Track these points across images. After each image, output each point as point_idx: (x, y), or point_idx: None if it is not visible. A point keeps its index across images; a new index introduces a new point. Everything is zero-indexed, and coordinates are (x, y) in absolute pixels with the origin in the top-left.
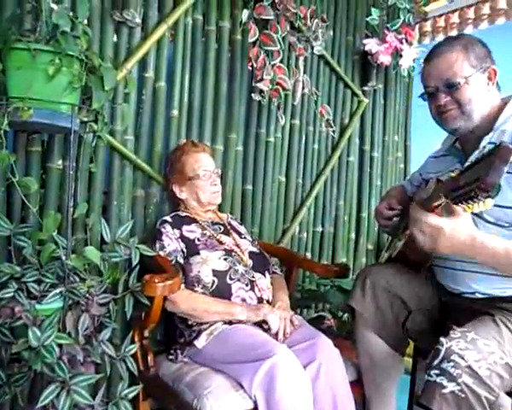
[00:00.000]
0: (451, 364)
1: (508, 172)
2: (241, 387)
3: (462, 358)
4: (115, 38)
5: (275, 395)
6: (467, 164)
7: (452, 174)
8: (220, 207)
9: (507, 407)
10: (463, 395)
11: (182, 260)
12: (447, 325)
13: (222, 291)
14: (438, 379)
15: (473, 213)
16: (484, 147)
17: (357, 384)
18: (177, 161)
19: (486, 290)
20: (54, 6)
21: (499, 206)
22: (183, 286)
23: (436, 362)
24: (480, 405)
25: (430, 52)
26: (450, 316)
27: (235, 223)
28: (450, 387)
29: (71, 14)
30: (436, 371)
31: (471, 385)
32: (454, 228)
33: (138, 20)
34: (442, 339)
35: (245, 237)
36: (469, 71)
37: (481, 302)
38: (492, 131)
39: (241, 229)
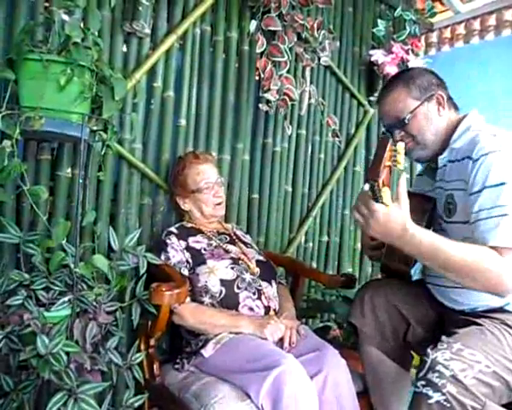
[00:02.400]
0: (436, 374)
1: (459, 189)
2: (248, 397)
3: (447, 368)
4: (125, 49)
5: (281, 405)
6: (440, 177)
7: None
8: (226, 217)
9: None
10: (449, 405)
11: (186, 272)
12: (442, 337)
13: (229, 301)
14: (424, 390)
15: (438, 231)
16: (444, 165)
17: (364, 396)
18: (179, 175)
19: (471, 305)
20: (66, 17)
21: (455, 222)
22: (188, 299)
23: (422, 373)
24: None
25: (378, 94)
26: (447, 328)
27: (240, 233)
28: (436, 397)
29: (82, 25)
30: (422, 383)
31: (455, 394)
32: (388, 214)
33: (148, 31)
34: (428, 350)
35: (251, 247)
36: (413, 104)
37: (471, 315)
38: (446, 150)
39: (247, 239)
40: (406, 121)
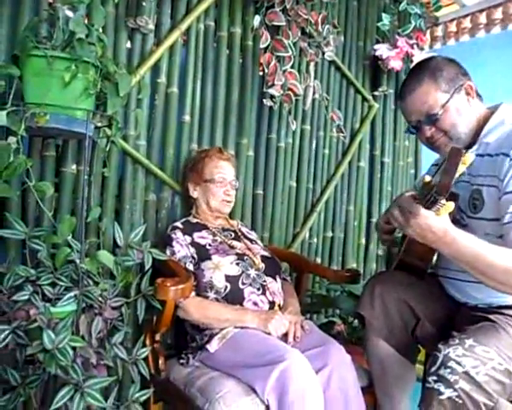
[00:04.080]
0: (448, 370)
1: (489, 185)
2: (253, 392)
3: (459, 364)
4: (129, 44)
5: (287, 399)
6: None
7: (425, 180)
8: (231, 213)
9: None
10: (461, 401)
11: (191, 267)
12: (452, 333)
13: (234, 296)
14: (435, 386)
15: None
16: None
17: (369, 390)
18: (199, 162)
19: (487, 300)
20: (70, 14)
21: (480, 219)
22: (193, 293)
23: (434, 369)
24: None
25: (401, 89)
26: (457, 324)
27: (245, 229)
28: (448, 393)
29: (86, 21)
30: (434, 378)
31: (468, 391)
32: (429, 218)
33: (151, 27)
34: (440, 346)
35: (256, 243)
36: (444, 97)
37: (485, 311)
38: (476, 143)
39: (252, 235)
40: (438, 117)
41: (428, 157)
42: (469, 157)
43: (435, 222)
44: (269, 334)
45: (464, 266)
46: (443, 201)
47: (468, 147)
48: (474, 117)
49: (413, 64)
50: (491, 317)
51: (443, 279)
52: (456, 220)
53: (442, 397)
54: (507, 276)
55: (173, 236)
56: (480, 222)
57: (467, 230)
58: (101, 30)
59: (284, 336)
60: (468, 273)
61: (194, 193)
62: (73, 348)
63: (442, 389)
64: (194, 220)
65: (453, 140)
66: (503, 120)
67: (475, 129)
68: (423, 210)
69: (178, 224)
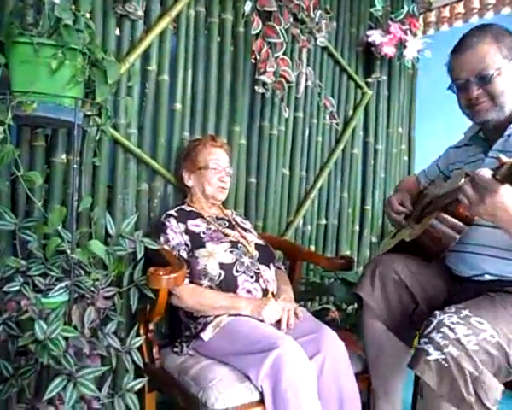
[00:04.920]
0: (440, 335)
1: None
2: (247, 379)
3: (452, 331)
4: (117, 31)
5: (281, 386)
6: (500, 148)
7: (503, 159)
8: (224, 201)
9: (489, 385)
10: (447, 365)
11: (185, 254)
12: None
13: (228, 284)
14: (425, 347)
15: None
16: (509, 135)
17: (363, 376)
18: (192, 150)
19: (496, 272)
20: None
21: None
22: (187, 281)
23: (426, 332)
24: (462, 377)
25: (459, 44)
26: (456, 303)
27: (239, 219)
28: (435, 355)
29: (73, 7)
30: (425, 340)
31: (456, 357)
32: (505, 196)
33: (141, 13)
34: (436, 312)
35: (250, 232)
36: (501, 62)
37: (489, 285)
38: None
39: (247, 224)
40: (490, 79)
41: (421, 145)
42: None
43: (510, 201)
44: (262, 321)
45: None
46: None
47: (507, 123)
48: None
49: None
50: (492, 294)
51: (450, 253)
52: None
53: (429, 358)
54: None
55: (167, 223)
56: None
57: None
58: (88, 16)
59: (277, 324)
60: (481, 246)
61: (189, 181)
62: (66, 339)
63: (431, 350)
64: (189, 208)
65: (497, 108)
66: None
67: None
68: (503, 187)
69: (172, 212)
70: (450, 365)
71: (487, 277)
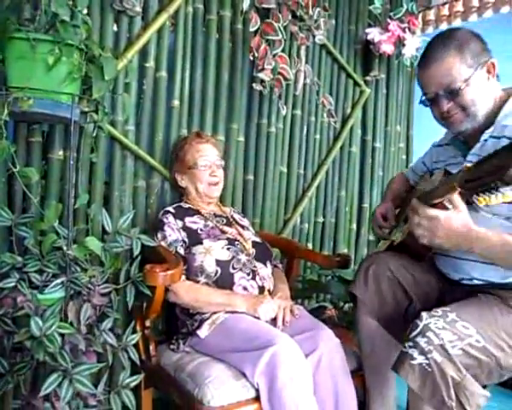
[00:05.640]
0: (425, 339)
1: None
2: (243, 376)
3: (437, 336)
4: (115, 28)
5: (277, 383)
6: (477, 152)
7: (468, 164)
8: (222, 198)
9: (472, 390)
10: (430, 369)
11: (182, 251)
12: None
13: (225, 281)
14: (410, 350)
15: (469, 207)
16: (485, 140)
17: (358, 374)
18: (180, 150)
19: (483, 277)
20: None
21: (506, 202)
22: (183, 277)
23: (412, 335)
24: (444, 382)
25: (423, 57)
26: (447, 303)
27: (237, 216)
28: (419, 359)
29: (70, 2)
30: (410, 344)
31: (440, 363)
32: (449, 217)
33: (138, 9)
34: (423, 314)
35: (248, 229)
36: (468, 72)
37: (478, 288)
38: (493, 125)
39: (244, 222)
40: (459, 91)
41: (420, 142)
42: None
43: (455, 220)
44: (258, 318)
45: (495, 257)
46: (507, 190)
47: (484, 128)
48: (492, 97)
49: (435, 35)
50: (481, 295)
51: (438, 256)
52: (474, 205)
53: (413, 362)
54: None
55: (165, 220)
56: (500, 205)
57: (485, 214)
58: (85, 12)
59: (273, 321)
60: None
61: (182, 182)
62: (62, 335)
63: (415, 354)
64: (186, 206)
65: (469, 117)
66: None
67: (491, 109)
68: (434, 210)
69: (170, 208)
70: (433, 369)
71: (476, 281)
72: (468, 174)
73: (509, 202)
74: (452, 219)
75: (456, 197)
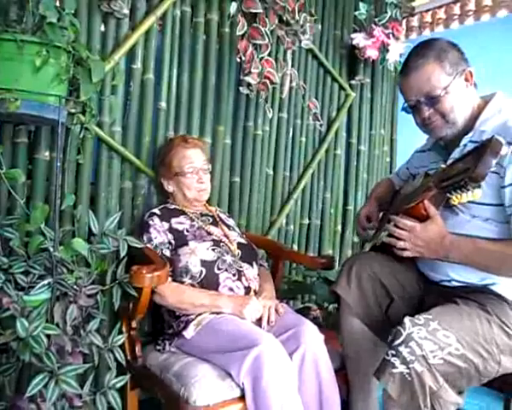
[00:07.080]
0: (408, 350)
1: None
2: (229, 376)
3: (420, 347)
4: (103, 29)
5: (261, 383)
6: (457, 156)
7: (443, 165)
8: (208, 200)
9: (445, 399)
10: (410, 379)
11: (168, 253)
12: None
13: (210, 281)
14: (392, 359)
15: (447, 209)
16: (465, 145)
17: (341, 372)
18: (165, 156)
19: (462, 279)
20: None
21: (474, 202)
22: (170, 279)
23: (395, 344)
24: (422, 391)
25: (405, 65)
26: (428, 304)
27: (223, 216)
28: (401, 369)
29: (58, 4)
30: (393, 352)
31: (420, 373)
32: (425, 226)
33: (126, 11)
34: (405, 320)
35: (233, 230)
36: (447, 80)
37: (456, 291)
38: (473, 130)
39: (230, 222)
40: (438, 98)
41: (404, 146)
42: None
43: (429, 227)
44: (244, 319)
45: (469, 262)
46: (476, 188)
47: (463, 134)
48: (471, 104)
49: (415, 44)
50: (460, 301)
51: (423, 259)
52: (453, 208)
53: (395, 371)
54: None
55: (150, 222)
56: (479, 207)
57: (453, 214)
58: (73, 13)
59: (259, 321)
60: None
61: (169, 188)
62: (48, 336)
63: (397, 363)
64: (172, 206)
65: (449, 124)
66: (500, 108)
67: (470, 116)
68: (411, 222)
69: (156, 210)
70: (413, 379)
71: (454, 283)
72: (442, 174)
73: (488, 204)
74: (428, 228)
75: (430, 207)
